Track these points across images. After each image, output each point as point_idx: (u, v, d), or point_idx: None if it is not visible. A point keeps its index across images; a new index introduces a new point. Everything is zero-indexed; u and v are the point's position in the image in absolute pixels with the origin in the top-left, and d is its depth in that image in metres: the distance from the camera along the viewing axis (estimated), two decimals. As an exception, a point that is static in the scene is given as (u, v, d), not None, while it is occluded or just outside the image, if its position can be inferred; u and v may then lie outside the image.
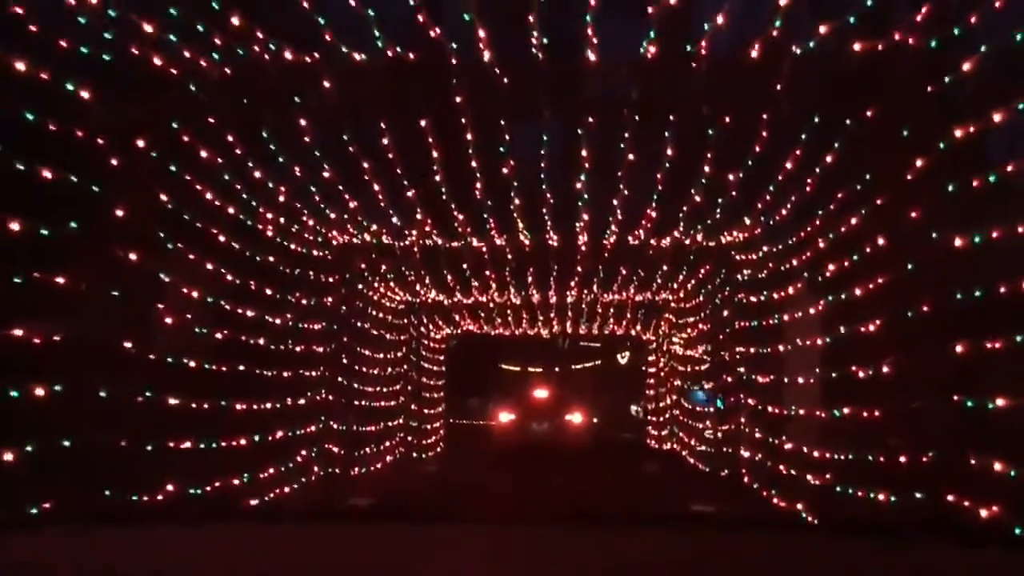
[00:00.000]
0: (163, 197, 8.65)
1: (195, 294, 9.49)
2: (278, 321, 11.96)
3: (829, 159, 9.06)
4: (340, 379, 14.64)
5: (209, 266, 9.73)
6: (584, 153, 9.71)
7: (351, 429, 15.42)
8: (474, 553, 3.45)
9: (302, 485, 12.83)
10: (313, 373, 13.58)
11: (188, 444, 9.27)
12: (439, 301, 20.60)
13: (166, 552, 3.81)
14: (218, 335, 10.13)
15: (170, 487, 8.80)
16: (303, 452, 13.16)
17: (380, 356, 17.98)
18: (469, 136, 9.57)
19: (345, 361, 15.00)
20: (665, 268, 15.40)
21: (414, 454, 21.18)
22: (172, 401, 8.88)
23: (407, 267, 15.65)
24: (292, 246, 12.24)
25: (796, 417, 11.19)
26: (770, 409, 12.15)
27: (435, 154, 9.82)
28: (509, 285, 17.07)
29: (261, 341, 11.34)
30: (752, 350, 13.06)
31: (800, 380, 11.03)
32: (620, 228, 13.05)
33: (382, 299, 18.15)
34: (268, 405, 11.57)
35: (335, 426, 14.41)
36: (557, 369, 42.45)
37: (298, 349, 12.83)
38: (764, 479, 12.39)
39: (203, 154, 9.00)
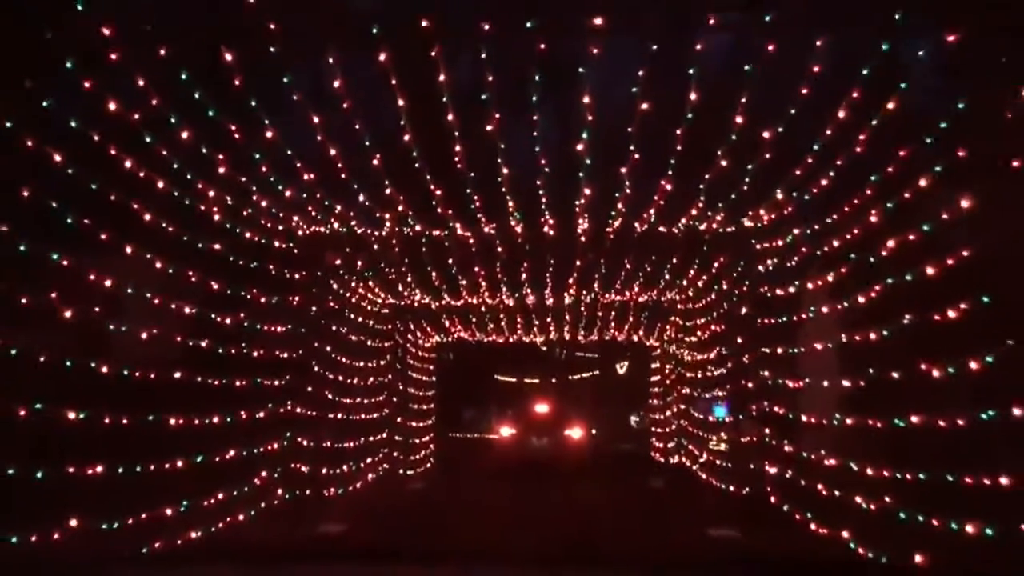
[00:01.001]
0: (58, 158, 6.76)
1: (108, 282, 7.58)
2: (228, 321, 10.05)
3: (890, 105, 7.20)
4: (310, 389, 12.69)
5: (128, 249, 7.83)
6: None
7: (324, 445, 13.47)
8: None
9: (261, 511, 10.91)
10: (276, 382, 11.66)
11: (99, 469, 7.36)
12: (426, 304, 18.69)
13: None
14: (143, 334, 8.20)
15: (73, 522, 6.92)
16: (263, 473, 11.23)
17: (360, 364, 16.06)
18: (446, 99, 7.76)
19: (316, 369, 13.07)
20: (675, 261, 13.50)
21: (400, 471, 19.20)
22: (72, 416, 6.95)
23: (386, 262, 13.74)
24: (244, 233, 10.32)
25: (839, 427, 9.29)
26: (804, 418, 10.25)
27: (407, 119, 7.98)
28: (501, 284, 15.16)
29: (204, 343, 9.43)
30: (779, 351, 11.17)
31: (845, 383, 9.13)
32: (625, 211, 11.20)
33: (361, 301, 16.23)
34: (215, 419, 9.64)
35: (304, 442, 12.46)
36: (554, 380, 40.77)
37: (255, 354, 10.91)
38: (797, 500, 10.48)
39: (112, 107, 7.13)
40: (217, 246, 9.57)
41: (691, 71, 7.28)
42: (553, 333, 21.97)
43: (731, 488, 13.34)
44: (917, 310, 7.82)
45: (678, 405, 19.42)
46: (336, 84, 7.33)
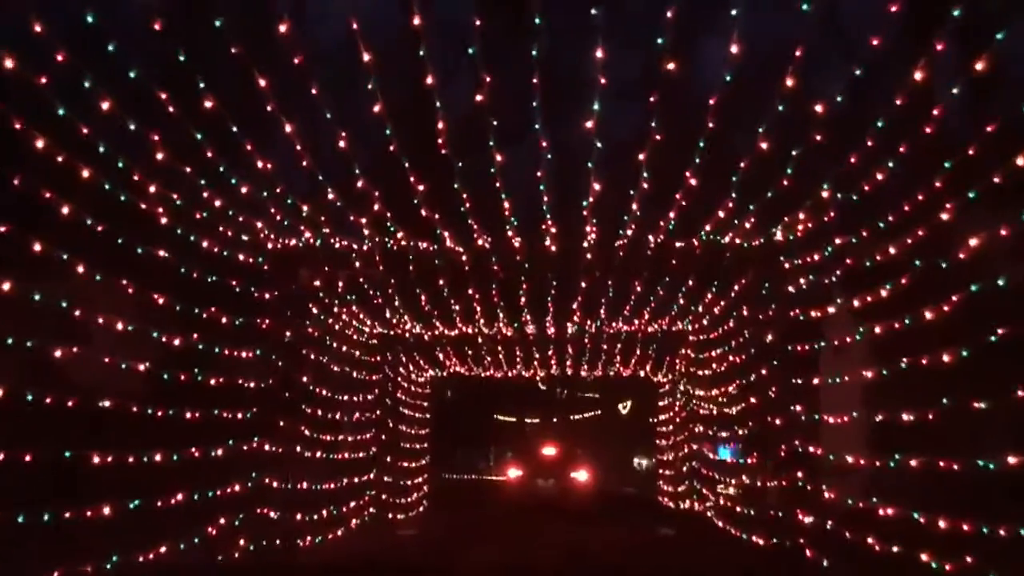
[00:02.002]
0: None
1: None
2: (176, 342, 8.51)
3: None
4: (281, 423, 11.10)
5: (37, 247, 6.31)
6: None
7: (298, 487, 11.84)
8: None
9: (217, 566, 9.30)
10: (239, 415, 10.10)
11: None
12: (418, 335, 17.14)
13: None
14: (57, 352, 6.65)
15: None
16: (221, 520, 9.62)
17: (343, 398, 14.47)
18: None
19: (290, 401, 11.47)
20: (691, 283, 11.95)
21: (389, 515, 17.49)
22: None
23: (370, 283, 12.19)
24: (197, 240, 8.80)
25: (896, 469, 7.71)
26: (848, 459, 8.67)
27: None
28: (497, 309, 13.61)
29: (142, 367, 7.88)
30: (815, 381, 9.61)
31: (906, 416, 7.55)
32: (639, 220, 9.73)
33: (345, 329, 14.67)
34: (157, 457, 8.06)
35: (273, 483, 10.85)
36: (555, 420, 39.14)
37: (212, 382, 9.35)
38: (841, 555, 8.86)
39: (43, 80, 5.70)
40: (161, 252, 8.06)
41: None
42: (555, 367, 20.37)
43: (756, 539, 11.69)
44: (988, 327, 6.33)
45: (689, 446, 17.75)
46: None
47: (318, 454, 12.98)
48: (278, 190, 8.97)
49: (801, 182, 8.19)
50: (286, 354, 11.23)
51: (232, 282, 9.67)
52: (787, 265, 10.44)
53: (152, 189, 7.66)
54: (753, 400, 11.99)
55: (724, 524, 14.07)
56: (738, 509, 13.12)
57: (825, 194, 8.14)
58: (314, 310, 12.48)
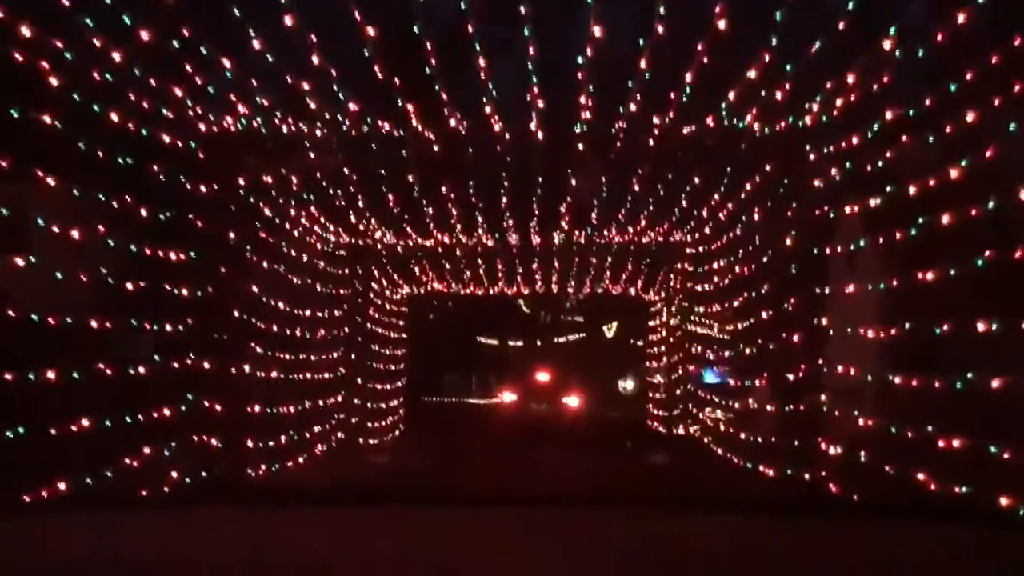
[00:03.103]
0: None
1: None
2: (75, 235, 6.83)
3: None
4: (225, 337, 9.47)
5: None
6: None
7: (249, 410, 10.30)
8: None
9: (139, 499, 7.76)
10: (169, 327, 8.48)
11: None
12: (391, 246, 15.48)
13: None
14: None
15: None
16: (145, 450, 8.06)
17: (304, 313, 12.87)
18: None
19: (236, 314, 9.85)
20: (696, 181, 10.29)
21: (361, 440, 16.05)
22: None
23: (328, 179, 10.45)
24: (105, 113, 7.03)
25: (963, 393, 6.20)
26: (896, 379, 7.16)
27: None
28: (476, 213, 11.93)
29: (21, 262, 6.22)
30: (849, 289, 8.05)
31: (981, 326, 6.00)
32: (642, 97, 8.03)
33: (307, 236, 12.99)
34: (50, 375, 6.45)
35: (217, 407, 9.28)
36: (539, 343, 37.93)
37: (128, 287, 7.69)
38: (881, 493, 7.40)
39: None
40: (47, 119, 6.31)
41: None
42: (539, 284, 18.77)
43: (763, 469, 10.27)
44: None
45: (684, 367, 16.30)
46: None
47: (273, 374, 11.43)
48: (204, 52, 7.19)
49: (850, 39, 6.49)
50: (229, 259, 9.54)
51: (153, 167, 7.94)
52: (813, 156, 8.78)
53: (27, 32, 5.88)
54: (764, 315, 10.47)
55: (724, 452, 12.66)
56: (742, 436, 11.68)
57: (887, 44, 6.41)
58: (266, 211, 10.79)
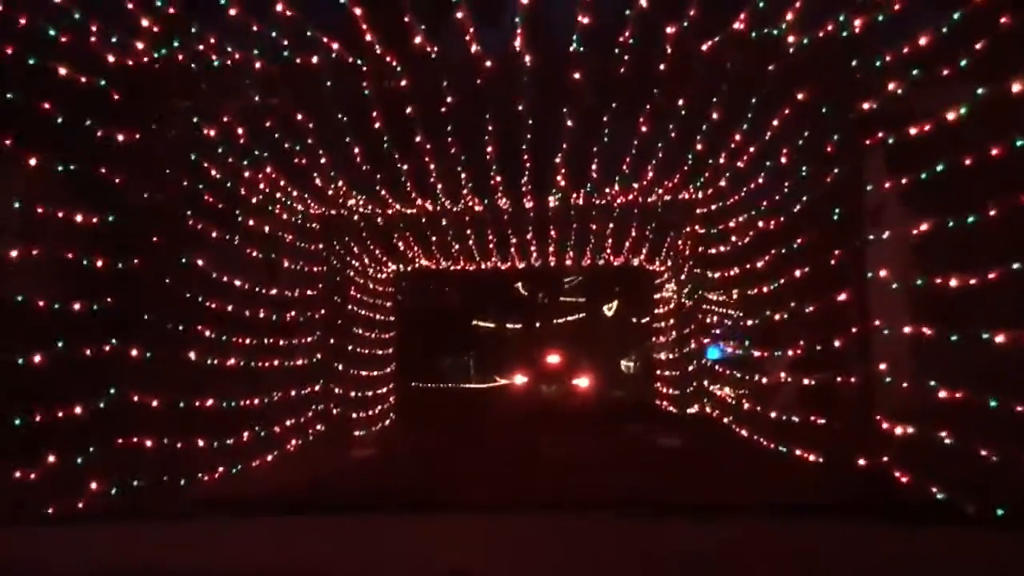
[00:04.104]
0: None
1: None
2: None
3: None
4: (147, 317, 7.78)
5: None
6: None
7: (199, 404, 8.68)
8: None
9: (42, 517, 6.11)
10: (76, 305, 6.81)
11: None
12: (370, 217, 13.82)
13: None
14: None
15: None
16: (50, 457, 6.40)
17: (270, 292, 11.24)
18: None
19: (175, 290, 8.19)
20: (715, 116, 8.60)
21: (344, 432, 14.41)
22: None
23: (281, 129, 8.74)
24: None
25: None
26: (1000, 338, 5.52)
27: None
28: (459, 170, 10.25)
29: None
30: (923, 227, 6.40)
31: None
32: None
33: (269, 203, 11.30)
34: None
35: (153, 403, 7.62)
36: (538, 325, 36.43)
37: (12, 255, 6.03)
38: (964, 485, 5.76)
39: None
40: None
41: None
42: (535, 256, 17.08)
43: (801, 453, 8.66)
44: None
45: (698, 340, 14.65)
46: None
47: (230, 362, 9.80)
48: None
49: None
50: (160, 225, 7.88)
51: (44, 105, 6.26)
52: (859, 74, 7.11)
53: None
54: (798, 273, 8.84)
55: (750, 433, 11.04)
56: (771, 415, 10.06)
57: None
58: (212, 171, 9.11)
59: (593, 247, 16.33)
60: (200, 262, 8.84)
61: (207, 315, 8.88)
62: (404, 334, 19.96)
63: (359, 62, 7.34)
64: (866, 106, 6.99)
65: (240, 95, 7.81)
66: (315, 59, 7.35)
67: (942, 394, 6.07)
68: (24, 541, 2.81)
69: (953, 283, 6.16)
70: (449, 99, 7.82)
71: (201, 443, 8.66)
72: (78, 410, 6.67)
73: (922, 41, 6.09)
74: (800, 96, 7.83)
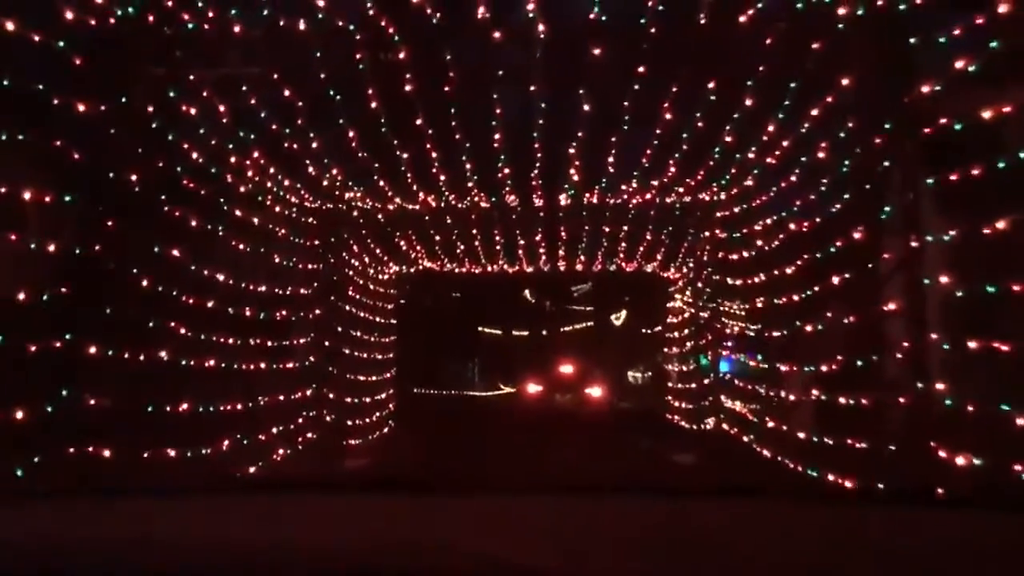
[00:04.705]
0: None
1: None
2: None
3: None
4: (108, 311, 6.90)
5: None
6: None
7: (171, 409, 7.80)
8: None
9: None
10: (20, 295, 5.94)
11: None
12: (369, 211, 12.98)
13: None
14: None
15: None
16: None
17: (258, 289, 10.38)
18: None
19: (144, 282, 7.32)
20: (748, 103, 7.70)
21: (338, 440, 13.52)
22: None
23: (265, 105, 7.87)
24: None
25: None
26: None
27: None
28: (463, 159, 9.37)
29: None
30: (1000, 224, 5.49)
31: None
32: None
33: (258, 192, 10.42)
34: None
35: (105, 403, 6.75)
36: (545, 333, 35.57)
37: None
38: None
39: None
40: None
41: None
42: (544, 261, 16.20)
43: (838, 479, 7.73)
44: None
45: (715, 351, 13.72)
46: None
47: (209, 363, 8.93)
48: None
49: None
50: (128, 210, 7.01)
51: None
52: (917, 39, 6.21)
53: None
54: (836, 279, 7.93)
55: (773, 453, 10.12)
56: (799, 435, 9.14)
57: None
58: (194, 155, 8.24)
59: (605, 251, 15.45)
60: (176, 252, 7.97)
61: (181, 311, 8.01)
62: (406, 338, 19.09)
63: (351, 28, 6.46)
64: (926, 89, 6.08)
65: (220, 65, 6.94)
66: (303, 25, 6.47)
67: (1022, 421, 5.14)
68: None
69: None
70: (452, 75, 6.93)
71: (172, 453, 7.80)
72: (19, 415, 5.79)
73: (1002, 8, 5.19)
74: (845, 82, 6.93)
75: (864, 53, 6.53)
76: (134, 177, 7.08)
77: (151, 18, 6.39)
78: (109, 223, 6.79)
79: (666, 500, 2.78)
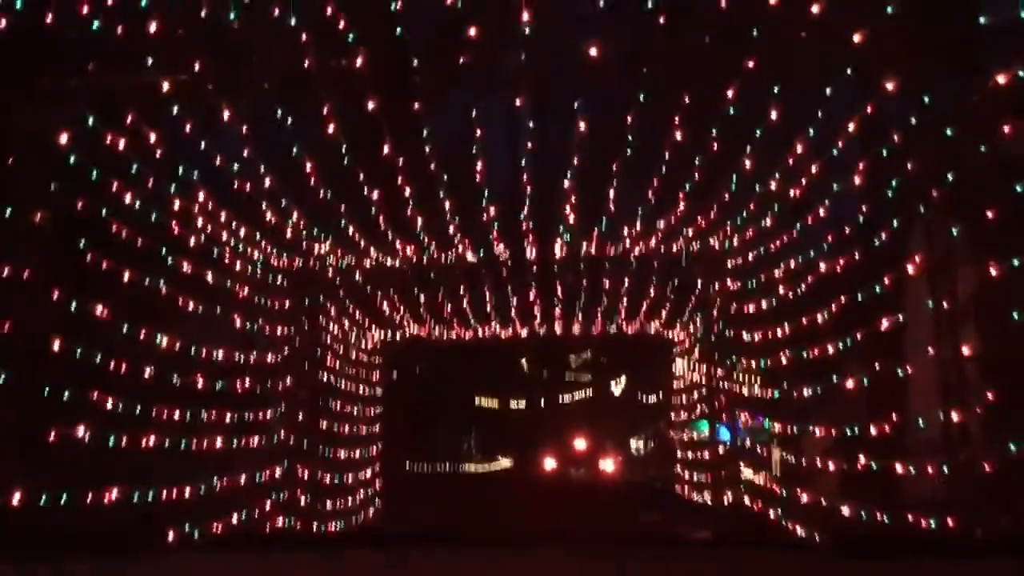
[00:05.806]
0: None
1: None
2: None
3: None
4: (19, 378, 5.62)
5: None
6: None
7: (105, 499, 6.43)
8: None
9: None
10: None
11: None
12: (347, 272, 11.77)
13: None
14: None
15: None
16: None
17: (214, 355, 9.06)
18: None
19: (58, 345, 6.04)
20: (769, 122, 6.53)
21: (314, 525, 12.04)
22: None
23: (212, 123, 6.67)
24: None
25: None
26: None
27: None
28: (443, 195, 8.17)
29: None
30: None
31: None
32: None
33: (214, 244, 9.16)
34: None
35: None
36: (543, 403, 34.16)
37: None
38: None
39: None
40: None
41: None
42: (539, 323, 14.93)
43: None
44: None
45: (731, 415, 12.33)
46: None
47: (149, 441, 7.57)
48: None
49: None
50: (33, 256, 5.77)
51: None
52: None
53: None
54: (883, 324, 6.66)
55: (811, 532, 8.70)
56: (844, 510, 7.75)
57: None
58: (126, 195, 7.02)
59: (604, 310, 14.19)
60: (100, 308, 6.70)
61: (103, 379, 6.70)
62: (393, 410, 17.67)
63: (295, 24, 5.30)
64: (1002, 80, 4.90)
65: (143, 77, 5.76)
66: (236, 23, 5.31)
67: None
68: None
69: None
70: (422, 84, 5.76)
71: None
72: None
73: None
74: (890, 85, 5.76)
75: (914, 44, 5.36)
76: (43, 217, 5.87)
77: (48, 18, 5.22)
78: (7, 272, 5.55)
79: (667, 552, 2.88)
